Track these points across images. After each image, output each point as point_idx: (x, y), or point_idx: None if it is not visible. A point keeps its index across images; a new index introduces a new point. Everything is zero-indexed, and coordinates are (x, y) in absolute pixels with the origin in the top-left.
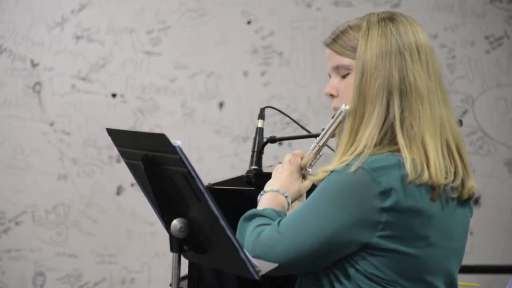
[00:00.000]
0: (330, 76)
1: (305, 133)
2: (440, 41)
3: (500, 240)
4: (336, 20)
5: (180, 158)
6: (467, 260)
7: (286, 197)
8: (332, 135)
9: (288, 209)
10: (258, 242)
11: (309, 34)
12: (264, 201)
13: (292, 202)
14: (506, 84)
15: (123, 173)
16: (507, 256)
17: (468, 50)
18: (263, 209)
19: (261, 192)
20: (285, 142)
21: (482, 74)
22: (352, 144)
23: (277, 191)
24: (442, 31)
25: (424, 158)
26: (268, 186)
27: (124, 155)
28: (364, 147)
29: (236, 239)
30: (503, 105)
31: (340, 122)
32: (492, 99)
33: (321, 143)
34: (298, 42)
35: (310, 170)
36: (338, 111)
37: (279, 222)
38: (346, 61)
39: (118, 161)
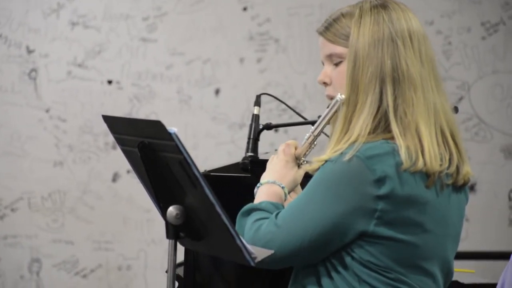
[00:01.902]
0: (323, 64)
1: (301, 120)
2: (436, 27)
3: (496, 226)
4: (333, 7)
5: (176, 145)
6: (462, 247)
7: (282, 187)
8: (327, 123)
9: (285, 200)
10: (257, 237)
11: (305, 21)
12: (261, 193)
13: (289, 192)
14: (502, 71)
15: (119, 160)
16: (503, 242)
17: (464, 37)
18: (260, 203)
19: (257, 185)
20: (281, 129)
21: (478, 60)
22: (346, 133)
23: (273, 182)
24: (438, 18)
25: (419, 145)
26: (264, 178)
27: (120, 142)
28: (358, 135)
29: (232, 225)
30: (499, 91)
31: (336, 111)
32: (488, 86)
33: (315, 132)
34: (295, 29)
35: (305, 159)
36: (334, 101)
37: (276, 215)
38: (338, 49)
39: (114, 148)
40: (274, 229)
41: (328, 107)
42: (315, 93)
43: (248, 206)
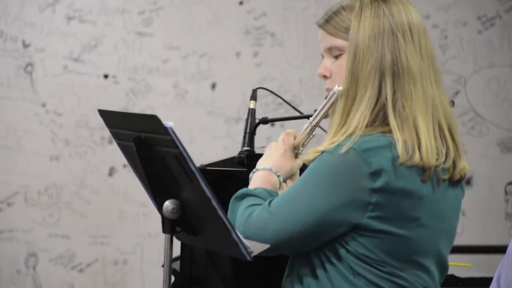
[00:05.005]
0: (323, 57)
1: (297, 114)
2: (432, 21)
3: (492, 220)
4: (329, 1)
5: (172, 139)
6: (459, 241)
7: (278, 176)
8: (325, 116)
9: (280, 188)
10: (249, 222)
11: (301, 15)
12: (256, 179)
13: (284, 181)
14: (498, 64)
15: (115, 154)
16: (499, 236)
17: (460, 31)
18: (255, 189)
19: (253, 170)
20: (278, 123)
21: (474, 54)
22: (343, 125)
23: (270, 169)
24: (434, 11)
25: (416, 139)
26: (261, 164)
27: (116, 136)
28: (355, 128)
29: (228, 220)
30: (495, 85)
31: (333, 103)
32: (484, 80)
33: (314, 122)
34: (291, 23)
35: (303, 149)
36: (331, 92)
37: (270, 202)
38: (338, 42)
39: (110, 142)
40: (266, 216)
41: (326, 98)
42: (311, 87)
43: (242, 190)
